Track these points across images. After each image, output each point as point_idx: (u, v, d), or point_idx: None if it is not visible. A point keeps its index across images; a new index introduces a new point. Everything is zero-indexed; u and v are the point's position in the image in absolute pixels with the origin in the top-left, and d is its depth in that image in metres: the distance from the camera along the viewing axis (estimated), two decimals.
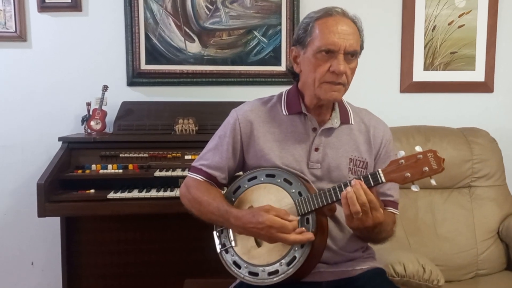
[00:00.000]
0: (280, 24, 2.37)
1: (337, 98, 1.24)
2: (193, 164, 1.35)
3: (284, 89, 1.37)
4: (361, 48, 1.25)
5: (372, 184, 1.11)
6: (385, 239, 1.28)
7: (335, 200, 1.15)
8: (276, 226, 1.12)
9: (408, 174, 1.07)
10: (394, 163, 1.09)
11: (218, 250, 1.28)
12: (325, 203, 1.15)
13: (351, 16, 1.22)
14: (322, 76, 1.19)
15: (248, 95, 2.18)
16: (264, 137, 1.28)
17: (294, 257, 1.15)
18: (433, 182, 1.07)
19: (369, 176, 1.12)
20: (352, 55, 1.19)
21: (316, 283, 1.23)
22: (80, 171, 1.97)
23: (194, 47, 2.35)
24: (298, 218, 1.16)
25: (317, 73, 1.19)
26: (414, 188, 1.09)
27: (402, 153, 1.09)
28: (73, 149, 2.04)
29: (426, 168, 1.06)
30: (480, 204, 2.08)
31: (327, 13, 1.20)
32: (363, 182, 1.10)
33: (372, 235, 1.22)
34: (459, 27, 2.42)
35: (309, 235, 1.13)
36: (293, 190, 1.19)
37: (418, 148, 1.09)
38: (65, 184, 1.94)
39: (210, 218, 1.26)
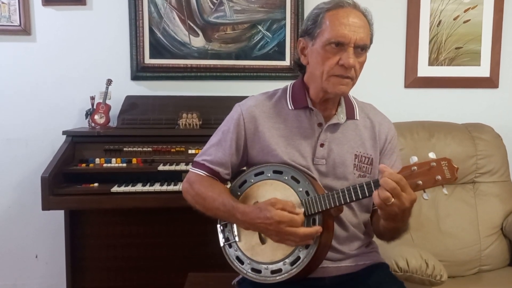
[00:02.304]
0: (284, 18, 2.36)
1: (345, 92, 1.21)
2: (196, 159, 1.34)
3: (288, 83, 1.36)
4: (371, 41, 1.22)
5: None
6: (406, 230, 1.24)
7: (343, 202, 1.13)
8: (285, 221, 1.10)
9: (420, 182, 1.04)
10: (406, 169, 1.05)
11: (221, 244, 1.27)
12: (333, 205, 1.13)
13: (362, 9, 1.20)
14: (331, 69, 1.17)
15: (252, 89, 2.17)
16: (270, 132, 1.26)
17: (298, 257, 1.14)
18: (444, 191, 1.05)
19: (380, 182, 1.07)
20: (362, 48, 1.17)
21: (320, 279, 1.23)
22: (84, 165, 1.98)
23: (198, 41, 2.35)
24: (303, 210, 1.15)
25: (326, 66, 1.17)
26: (425, 196, 1.06)
27: (415, 159, 1.05)
28: (77, 143, 2.05)
29: (439, 177, 1.02)
30: (484, 200, 2.07)
31: (338, 5, 1.17)
32: (386, 167, 1.05)
33: (403, 222, 1.16)
34: (464, 22, 2.41)
35: (317, 228, 1.12)
36: (300, 189, 1.18)
37: (431, 155, 1.05)
38: (69, 178, 1.95)
39: (215, 214, 1.24)
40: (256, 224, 1.14)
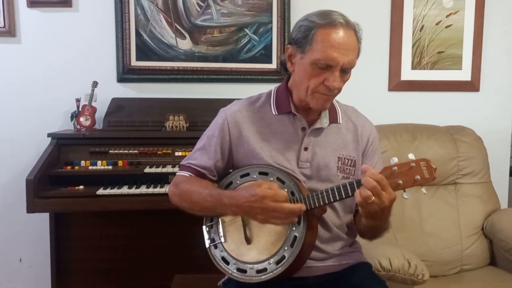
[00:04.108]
0: (271, 22, 2.39)
1: (326, 108, 1.27)
2: (182, 162, 1.36)
3: (274, 86, 1.37)
4: (357, 57, 1.24)
5: None
6: (387, 229, 1.28)
7: (327, 202, 1.16)
8: (269, 195, 1.13)
9: (400, 181, 1.08)
10: (387, 170, 1.09)
11: (207, 245, 1.28)
12: (317, 205, 1.16)
13: (353, 26, 1.19)
14: (316, 87, 1.20)
15: (239, 92, 2.19)
16: (254, 137, 1.28)
17: (283, 256, 1.16)
18: (423, 190, 1.09)
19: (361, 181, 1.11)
20: (348, 70, 1.20)
21: (304, 278, 1.25)
22: (69, 167, 1.97)
23: (185, 44, 2.36)
24: (287, 189, 1.18)
25: (311, 83, 1.19)
26: (405, 195, 1.10)
27: (395, 160, 1.09)
28: (62, 145, 2.04)
29: (418, 177, 1.07)
30: (465, 201, 2.12)
31: (331, 24, 1.15)
32: (369, 167, 1.09)
33: (383, 221, 1.19)
34: (446, 27, 2.46)
35: (301, 205, 1.14)
36: (286, 190, 1.20)
37: (411, 156, 1.09)
38: (54, 180, 1.94)
39: (202, 206, 1.25)
40: (242, 204, 1.15)
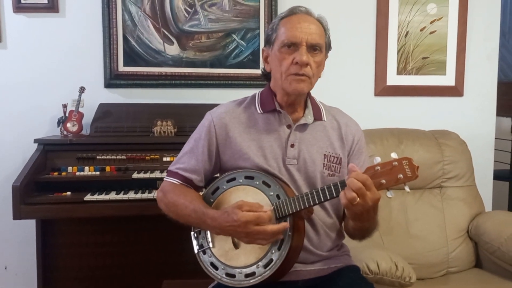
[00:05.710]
0: (258, 28, 2.41)
1: (303, 90, 1.26)
2: (169, 168, 1.36)
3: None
4: (328, 46, 1.30)
5: None
6: (375, 228, 1.29)
7: (312, 204, 1.17)
8: (251, 220, 1.13)
9: (384, 181, 1.08)
10: (370, 170, 1.10)
11: (196, 251, 1.29)
12: (302, 207, 1.17)
13: (314, 15, 1.29)
14: (287, 69, 1.24)
15: (227, 97, 2.18)
16: (241, 137, 1.30)
17: (271, 260, 1.17)
18: (407, 189, 1.10)
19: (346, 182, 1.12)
20: (316, 48, 1.24)
21: (293, 282, 1.26)
22: (56, 173, 1.96)
23: (173, 50, 2.36)
24: (272, 207, 1.18)
25: (283, 66, 1.25)
26: (389, 194, 1.11)
27: (378, 160, 1.10)
28: (49, 151, 2.02)
29: (401, 176, 1.07)
30: (450, 204, 2.14)
31: (292, 12, 1.27)
32: (355, 167, 1.10)
33: (370, 221, 1.20)
34: (430, 33, 2.51)
35: (284, 224, 1.15)
36: (272, 193, 1.21)
37: (393, 155, 1.10)
38: (41, 187, 1.92)
39: (187, 221, 1.26)
40: (226, 228, 1.16)
